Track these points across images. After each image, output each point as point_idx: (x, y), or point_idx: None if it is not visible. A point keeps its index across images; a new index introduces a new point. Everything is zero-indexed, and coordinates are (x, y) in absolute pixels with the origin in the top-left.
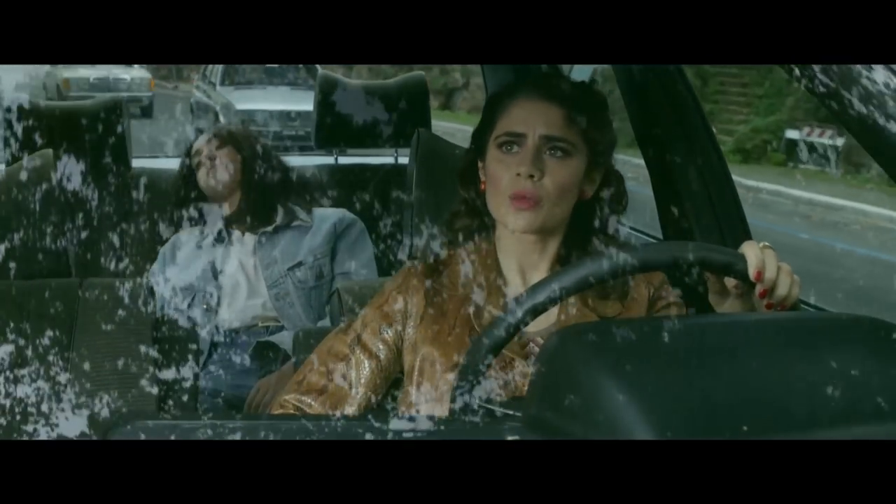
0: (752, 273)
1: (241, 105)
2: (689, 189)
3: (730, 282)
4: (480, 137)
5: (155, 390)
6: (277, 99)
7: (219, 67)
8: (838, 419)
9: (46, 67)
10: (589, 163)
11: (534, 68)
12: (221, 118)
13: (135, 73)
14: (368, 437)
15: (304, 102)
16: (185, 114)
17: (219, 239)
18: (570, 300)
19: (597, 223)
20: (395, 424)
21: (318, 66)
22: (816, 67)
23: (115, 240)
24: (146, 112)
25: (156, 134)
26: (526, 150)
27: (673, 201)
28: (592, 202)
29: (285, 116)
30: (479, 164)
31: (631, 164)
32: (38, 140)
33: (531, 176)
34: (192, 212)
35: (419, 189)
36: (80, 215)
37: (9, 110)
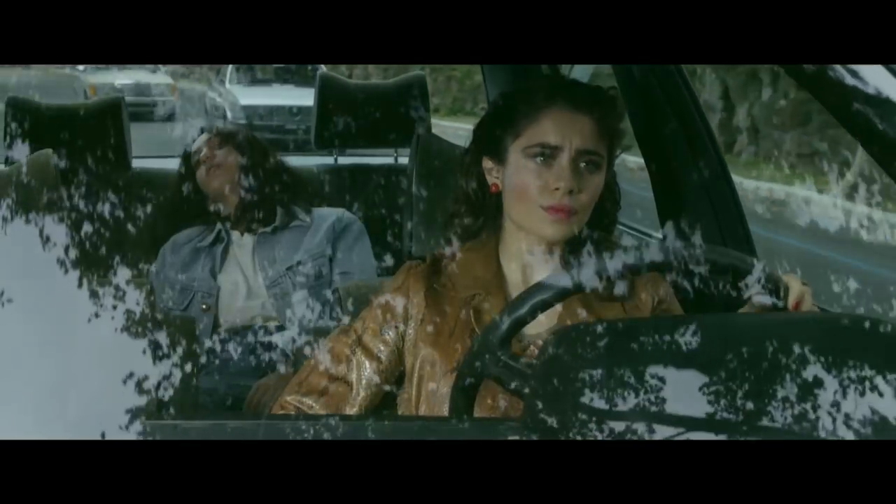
0: (791, 302)
1: (245, 101)
2: (689, 189)
3: (758, 302)
4: (493, 138)
5: (154, 390)
6: (281, 95)
7: (230, 67)
8: (838, 418)
9: (70, 72)
10: (607, 170)
11: (534, 68)
12: (229, 114)
13: (158, 79)
14: (369, 437)
15: (306, 99)
16: (202, 115)
17: (218, 239)
18: (572, 303)
19: (598, 224)
20: (395, 425)
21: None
22: (815, 67)
23: (115, 240)
24: (169, 116)
25: (178, 135)
26: (562, 163)
27: (673, 201)
28: (597, 203)
29: (287, 112)
30: (487, 165)
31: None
32: (38, 140)
33: (570, 191)
34: (192, 212)
35: (419, 189)
36: (80, 215)
37: (9, 110)
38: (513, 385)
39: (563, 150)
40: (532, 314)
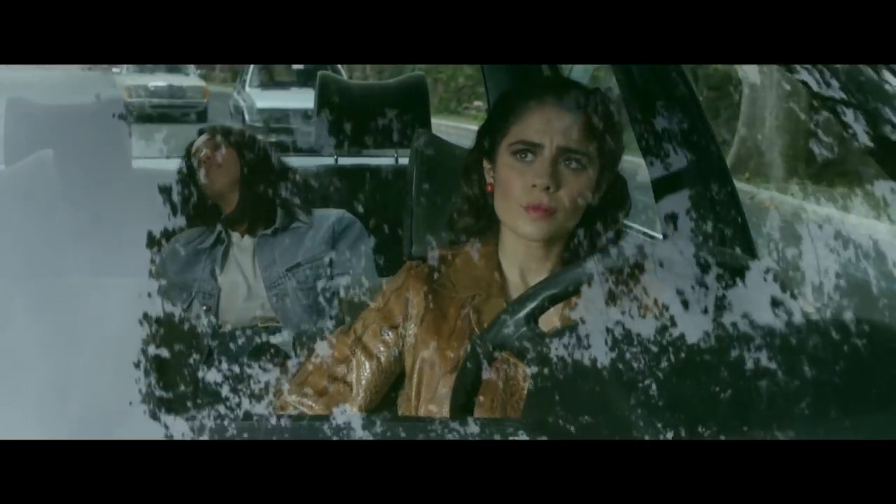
0: None
1: (262, 104)
2: (689, 189)
3: None
4: (489, 139)
5: (154, 390)
6: (297, 98)
7: (251, 70)
8: (838, 417)
9: (101, 74)
10: (600, 171)
11: (534, 68)
12: (247, 116)
13: (191, 82)
14: (369, 437)
15: None
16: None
17: (218, 240)
18: (573, 304)
19: (601, 227)
20: (395, 425)
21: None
22: (816, 67)
23: (115, 240)
24: (201, 117)
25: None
26: (542, 160)
27: (673, 201)
28: (597, 207)
29: (302, 114)
30: (486, 165)
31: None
32: (39, 140)
33: (547, 188)
34: (192, 212)
35: (419, 189)
36: (80, 215)
37: (9, 110)
38: (533, 359)
39: (543, 147)
40: (565, 294)
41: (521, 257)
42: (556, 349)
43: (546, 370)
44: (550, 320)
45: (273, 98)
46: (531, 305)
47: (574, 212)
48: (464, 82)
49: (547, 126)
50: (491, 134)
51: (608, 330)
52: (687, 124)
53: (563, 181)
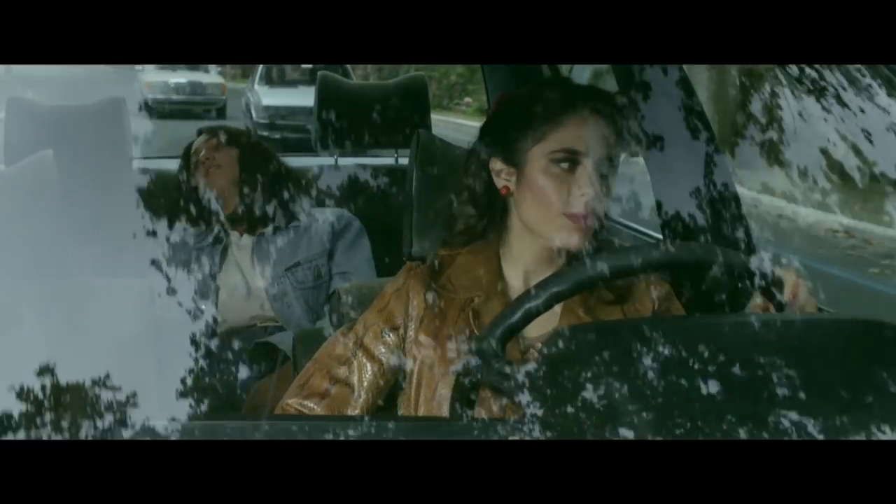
0: (787, 296)
1: (267, 101)
2: (689, 189)
3: (755, 304)
4: (509, 141)
5: (154, 390)
6: (303, 96)
7: (260, 67)
8: (838, 418)
9: (115, 70)
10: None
11: (534, 68)
12: (254, 113)
13: (210, 79)
14: (369, 437)
15: None
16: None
17: (217, 239)
18: (572, 306)
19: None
20: (395, 425)
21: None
22: (815, 67)
23: (115, 240)
24: (220, 113)
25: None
26: (586, 168)
27: (673, 202)
28: None
29: (308, 112)
30: (498, 167)
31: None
32: (39, 141)
33: (593, 197)
34: (191, 212)
35: (419, 189)
36: (81, 216)
37: (9, 111)
38: (508, 393)
39: (587, 156)
40: (524, 321)
41: (529, 260)
42: (539, 361)
43: (539, 375)
44: (547, 320)
45: (279, 96)
46: (493, 341)
47: (601, 217)
48: (456, 80)
49: (590, 133)
50: (509, 136)
51: (603, 331)
52: (686, 124)
53: (603, 188)
